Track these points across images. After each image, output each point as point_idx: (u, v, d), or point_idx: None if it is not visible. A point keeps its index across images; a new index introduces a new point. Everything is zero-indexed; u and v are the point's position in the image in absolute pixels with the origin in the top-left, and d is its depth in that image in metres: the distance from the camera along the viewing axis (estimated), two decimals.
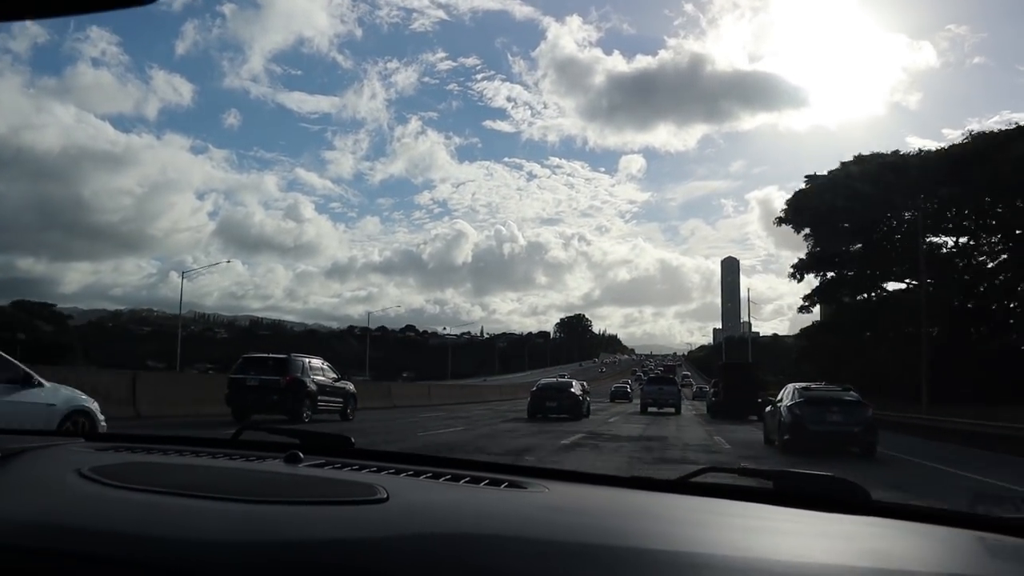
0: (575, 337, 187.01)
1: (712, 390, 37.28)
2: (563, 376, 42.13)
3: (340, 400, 21.38)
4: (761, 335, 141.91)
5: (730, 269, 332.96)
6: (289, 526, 1.07)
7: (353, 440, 1.80)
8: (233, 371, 20.05)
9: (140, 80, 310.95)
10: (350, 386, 22.64)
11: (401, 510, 1.20)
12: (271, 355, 20.69)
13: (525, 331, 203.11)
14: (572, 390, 26.62)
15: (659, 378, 42.33)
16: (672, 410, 35.02)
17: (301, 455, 1.54)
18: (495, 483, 1.46)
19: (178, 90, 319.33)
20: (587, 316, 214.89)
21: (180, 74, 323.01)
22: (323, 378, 20.64)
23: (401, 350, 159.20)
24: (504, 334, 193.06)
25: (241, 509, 1.14)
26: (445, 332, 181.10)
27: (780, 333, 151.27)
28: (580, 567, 1.00)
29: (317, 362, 20.88)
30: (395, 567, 0.98)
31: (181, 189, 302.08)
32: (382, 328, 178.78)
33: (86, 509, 1.15)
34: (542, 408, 25.31)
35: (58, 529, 1.05)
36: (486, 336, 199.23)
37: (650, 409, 35.09)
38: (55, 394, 9.73)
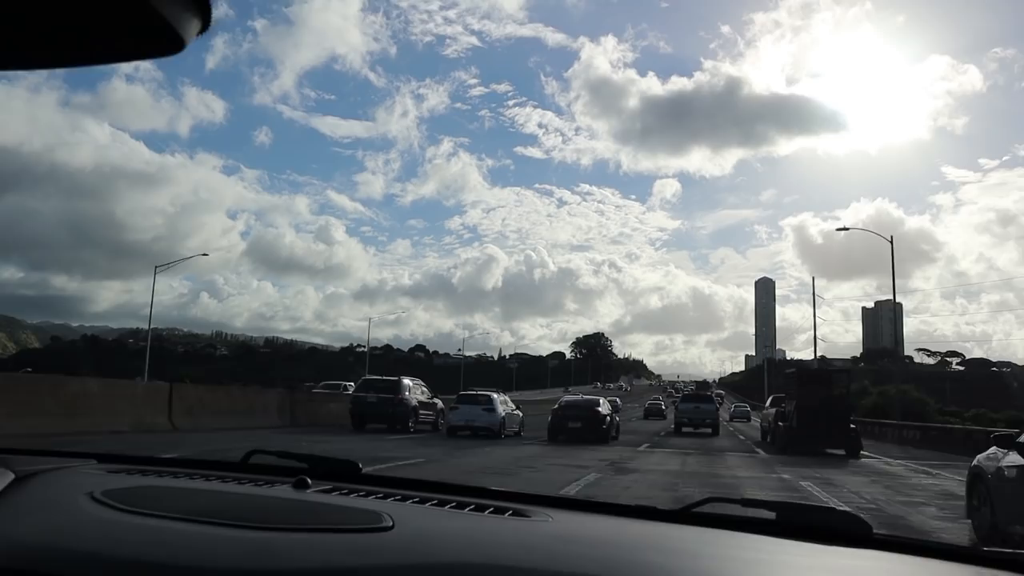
0: (594, 359, 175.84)
1: (774, 410, 28.55)
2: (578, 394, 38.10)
3: (432, 414, 26.40)
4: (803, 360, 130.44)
5: (764, 291, 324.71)
6: (296, 554, 1.12)
7: (360, 465, 1.87)
8: (355, 390, 26.14)
9: (173, 97, 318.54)
10: (439, 403, 27.38)
11: (406, 538, 1.25)
12: (385, 377, 26.01)
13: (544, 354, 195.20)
14: (598, 408, 24.74)
15: (695, 395, 39.28)
16: (709, 431, 33.04)
17: (309, 480, 1.62)
18: (499, 511, 1.53)
19: (210, 107, 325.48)
20: (607, 337, 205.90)
21: (212, 91, 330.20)
22: (421, 396, 25.70)
23: (403, 369, 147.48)
24: (517, 354, 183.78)
25: (249, 536, 1.18)
26: (459, 353, 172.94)
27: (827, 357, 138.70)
28: None
29: (417, 383, 25.91)
30: None
31: (213, 209, 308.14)
32: (387, 347, 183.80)
33: (97, 533, 1.19)
34: (563, 429, 23.83)
35: (68, 553, 1.09)
36: (497, 357, 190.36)
37: (684, 429, 33.27)
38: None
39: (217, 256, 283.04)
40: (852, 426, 24.22)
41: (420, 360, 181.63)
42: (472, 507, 1.55)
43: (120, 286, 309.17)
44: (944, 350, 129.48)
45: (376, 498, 1.57)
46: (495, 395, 26.37)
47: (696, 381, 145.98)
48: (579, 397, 29.77)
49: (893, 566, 1.34)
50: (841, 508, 1.58)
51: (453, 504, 1.56)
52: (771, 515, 1.55)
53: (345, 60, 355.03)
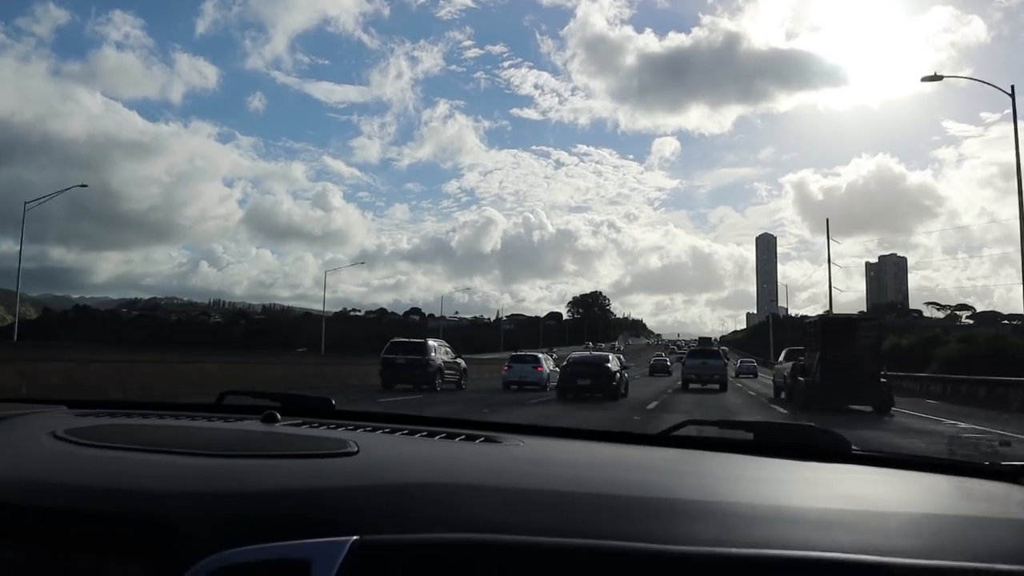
0: (591, 319, 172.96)
1: (791, 364, 25.99)
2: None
3: (456, 373, 28.68)
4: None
5: (766, 247, 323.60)
6: (259, 478, 1.14)
7: (334, 402, 1.90)
8: (384, 352, 27.19)
9: (165, 63, 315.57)
10: (462, 363, 29.85)
11: (371, 462, 1.28)
12: (413, 340, 28.73)
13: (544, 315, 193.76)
14: (608, 365, 24.29)
15: (702, 351, 37.45)
16: (716, 387, 32.09)
17: (278, 416, 1.66)
18: (471, 439, 1.55)
19: (203, 73, 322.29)
20: (605, 296, 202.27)
21: (204, 56, 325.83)
22: (445, 356, 27.96)
23: (396, 331, 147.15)
24: (513, 316, 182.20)
25: (213, 463, 1.22)
26: (454, 316, 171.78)
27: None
28: (554, 514, 1.02)
29: (442, 343, 28.91)
30: (364, 515, 1.01)
31: (209, 177, 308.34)
32: (381, 311, 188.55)
33: (58, 466, 1.21)
34: (572, 386, 23.51)
35: (28, 485, 1.11)
36: (493, 319, 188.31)
37: (691, 386, 32.21)
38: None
39: (215, 224, 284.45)
40: (883, 379, 21.74)
41: (415, 323, 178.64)
42: (443, 435, 1.57)
43: (119, 256, 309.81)
44: (952, 304, 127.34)
45: (345, 429, 1.60)
46: (542, 356, 31.50)
47: (700, 337, 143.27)
48: (587, 353, 29.72)
49: (871, 477, 1.38)
50: (807, 424, 1.61)
51: (424, 433, 1.60)
52: (749, 436, 1.58)
53: (338, 22, 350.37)
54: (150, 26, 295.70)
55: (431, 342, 28.19)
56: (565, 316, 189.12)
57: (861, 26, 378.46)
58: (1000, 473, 1.38)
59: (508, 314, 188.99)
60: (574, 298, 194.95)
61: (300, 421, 1.68)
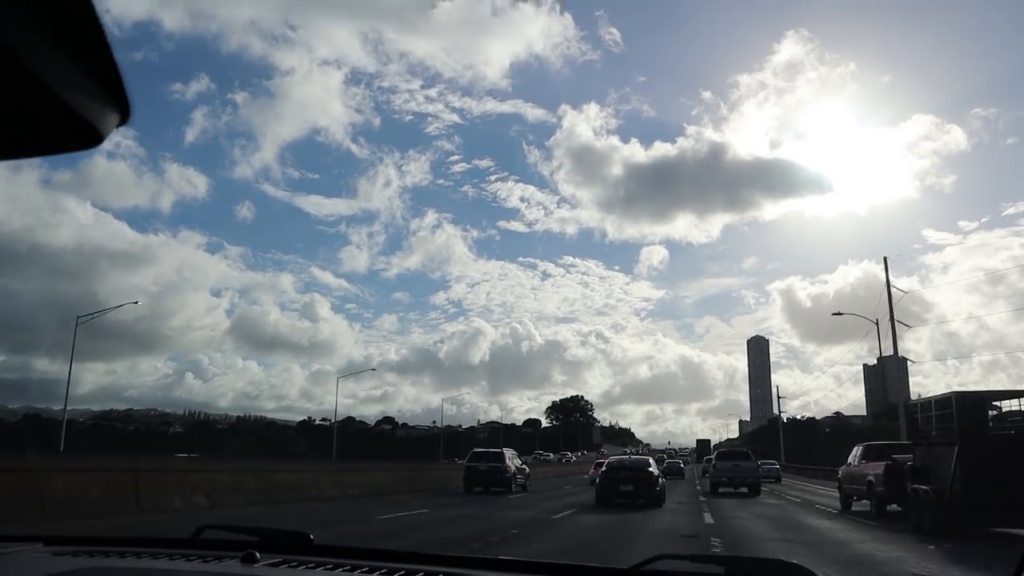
0: (572, 426, 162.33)
1: (890, 465, 19.76)
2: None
3: (523, 477, 33.33)
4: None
5: (758, 351, 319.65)
6: None
7: (312, 536, 1.93)
8: (468, 460, 31.98)
9: (155, 173, 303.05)
10: (526, 468, 35.38)
11: None
12: (492, 449, 34.29)
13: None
14: (651, 470, 24.26)
15: (731, 453, 36.52)
16: (745, 490, 31.68)
17: (257, 555, 1.67)
18: None
19: (193, 183, 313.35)
20: (587, 400, 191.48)
21: (194, 166, 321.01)
22: (517, 463, 33.30)
23: (366, 441, 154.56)
24: (487, 423, 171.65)
25: None
26: (422, 425, 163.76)
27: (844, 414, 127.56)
28: None
29: (512, 452, 34.07)
30: None
31: (196, 287, 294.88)
32: (348, 419, 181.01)
33: None
34: (615, 492, 23.24)
35: None
36: (465, 428, 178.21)
37: (721, 490, 32.13)
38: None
39: (201, 335, 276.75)
40: None
41: (385, 432, 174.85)
42: (422, 574, 1.61)
43: (103, 367, 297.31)
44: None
45: (325, 569, 1.63)
46: (507, 452, 33.21)
47: (698, 440, 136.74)
48: (627, 457, 29.55)
49: None
50: (777, 559, 1.67)
51: (402, 573, 1.64)
52: (720, 570, 1.61)
53: (327, 132, 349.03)
54: (141, 135, 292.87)
55: (507, 451, 33.05)
56: (545, 423, 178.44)
57: (844, 134, 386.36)
58: None
59: (486, 421, 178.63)
60: (553, 403, 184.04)
61: (280, 559, 1.69)
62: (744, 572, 1.62)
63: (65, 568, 1.51)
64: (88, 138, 0.87)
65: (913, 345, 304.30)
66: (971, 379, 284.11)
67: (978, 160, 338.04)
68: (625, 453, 53.10)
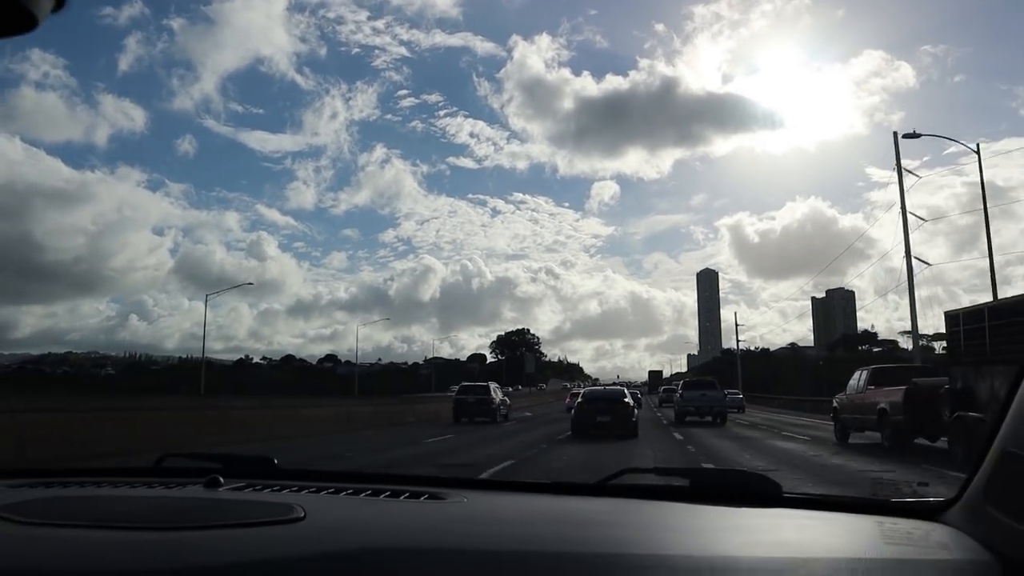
0: (517, 359, 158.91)
1: (910, 389, 16.71)
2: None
3: (506, 408, 35.69)
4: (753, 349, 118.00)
5: (708, 284, 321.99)
6: (206, 551, 1.14)
7: (276, 461, 1.96)
8: (457, 393, 34.76)
9: (88, 104, 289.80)
10: (508, 400, 37.81)
11: (318, 528, 1.30)
12: (479, 383, 36.88)
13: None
14: (627, 400, 24.08)
15: (698, 382, 36.53)
16: (711, 419, 31.91)
17: (221, 479, 1.69)
18: (415, 496, 1.63)
19: (129, 115, 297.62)
20: (533, 334, 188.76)
21: (130, 97, 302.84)
22: (500, 395, 35.90)
23: (305, 378, 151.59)
24: (432, 359, 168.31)
25: (158, 537, 1.21)
26: (364, 363, 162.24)
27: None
28: (500, 573, 1.11)
29: (495, 386, 37.20)
30: None
31: (138, 227, 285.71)
32: (289, 356, 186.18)
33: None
34: (591, 423, 23.01)
35: None
36: (411, 364, 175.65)
37: (688, 419, 32.37)
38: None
39: (144, 276, 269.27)
40: None
41: (327, 370, 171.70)
42: (388, 494, 1.65)
43: (42, 311, 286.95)
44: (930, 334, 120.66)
45: (290, 491, 1.64)
46: (492, 385, 36.46)
47: (650, 371, 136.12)
48: (603, 388, 29.14)
49: (801, 521, 1.49)
50: (740, 470, 1.84)
51: (368, 492, 1.67)
52: (685, 482, 1.70)
53: (271, 62, 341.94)
54: (71, 64, 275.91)
55: (492, 384, 35.94)
56: (491, 359, 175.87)
57: (796, 69, 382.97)
58: (919, 511, 1.50)
59: (430, 357, 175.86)
60: (499, 337, 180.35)
61: (244, 484, 1.70)
62: (708, 483, 1.71)
63: (21, 498, 1.49)
64: (20, 22, 0.82)
65: (856, 281, 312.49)
66: (908, 313, 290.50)
67: (926, 97, 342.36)
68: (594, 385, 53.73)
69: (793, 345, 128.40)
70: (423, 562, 1.13)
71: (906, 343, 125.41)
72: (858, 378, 19.85)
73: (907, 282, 34.25)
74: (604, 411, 23.15)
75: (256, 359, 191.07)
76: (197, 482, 1.70)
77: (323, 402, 33.43)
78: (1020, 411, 1.21)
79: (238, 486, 1.67)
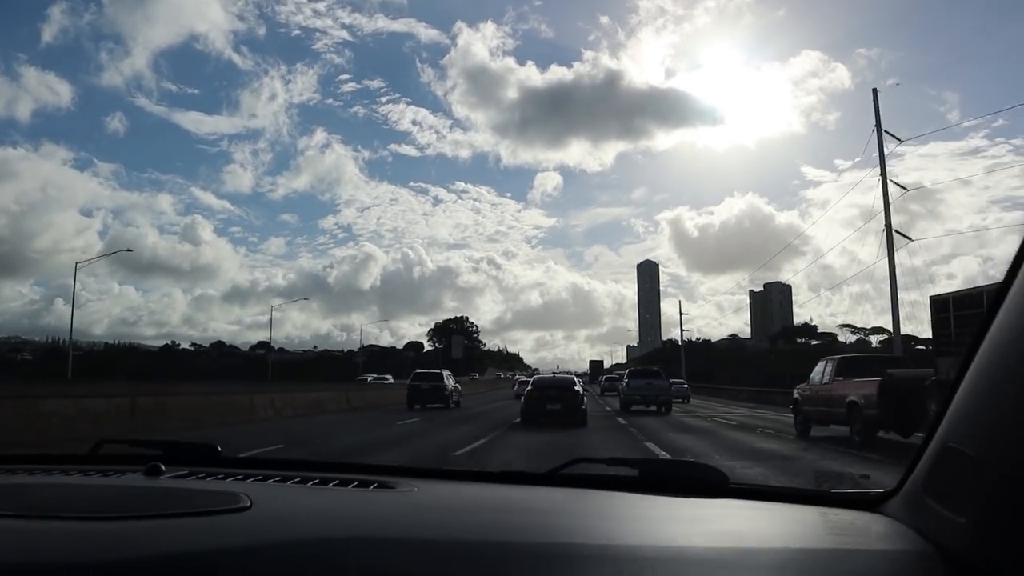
0: (466, 350, 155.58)
1: (885, 381, 15.43)
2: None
3: (457, 395, 37.00)
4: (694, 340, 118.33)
5: (648, 276, 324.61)
6: (148, 542, 1.09)
7: (219, 448, 1.90)
8: (411, 380, 35.61)
9: (8, 76, 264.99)
10: (459, 387, 39.22)
11: (264, 517, 1.26)
12: (432, 370, 38.45)
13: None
14: (577, 388, 24.01)
15: (644, 371, 36.47)
16: (655, 408, 32.15)
17: (162, 467, 1.63)
18: (364, 484, 1.60)
19: (54, 89, 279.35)
20: (471, 322, 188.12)
21: (54, 70, 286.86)
22: (453, 382, 36.89)
23: (232, 364, 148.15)
24: (368, 346, 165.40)
25: (97, 527, 1.15)
26: (306, 351, 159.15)
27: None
28: (445, 564, 1.08)
29: (449, 373, 37.90)
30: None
31: (64, 207, 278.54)
32: (218, 342, 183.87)
33: None
34: (541, 410, 22.86)
35: None
36: (346, 351, 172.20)
37: (634, 407, 32.62)
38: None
39: (71, 258, 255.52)
40: None
41: (258, 356, 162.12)
42: (336, 482, 1.61)
43: None
44: (867, 327, 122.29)
45: (235, 479, 1.59)
46: (445, 372, 37.48)
47: (591, 361, 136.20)
48: (552, 376, 30.34)
49: (747, 512, 1.51)
50: (688, 460, 1.78)
51: (316, 481, 1.64)
52: (635, 472, 1.70)
53: (206, 40, 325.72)
54: None
55: (445, 372, 37.24)
56: (428, 347, 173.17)
57: (737, 66, 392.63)
58: (861, 502, 1.52)
59: (364, 345, 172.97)
60: (436, 325, 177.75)
61: (186, 471, 1.64)
62: (658, 473, 1.71)
63: None
64: None
65: (790, 276, 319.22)
66: (841, 309, 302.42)
67: (860, 99, 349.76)
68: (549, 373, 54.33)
69: (734, 336, 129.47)
70: (371, 551, 1.11)
71: (844, 336, 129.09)
72: (823, 369, 18.47)
73: (889, 273, 33.80)
74: (554, 399, 22.98)
75: (185, 345, 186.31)
76: (136, 470, 1.63)
77: (231, 388, 29.59)
78: (962, 404, 1.19)
79: (180, 474, 1.61)
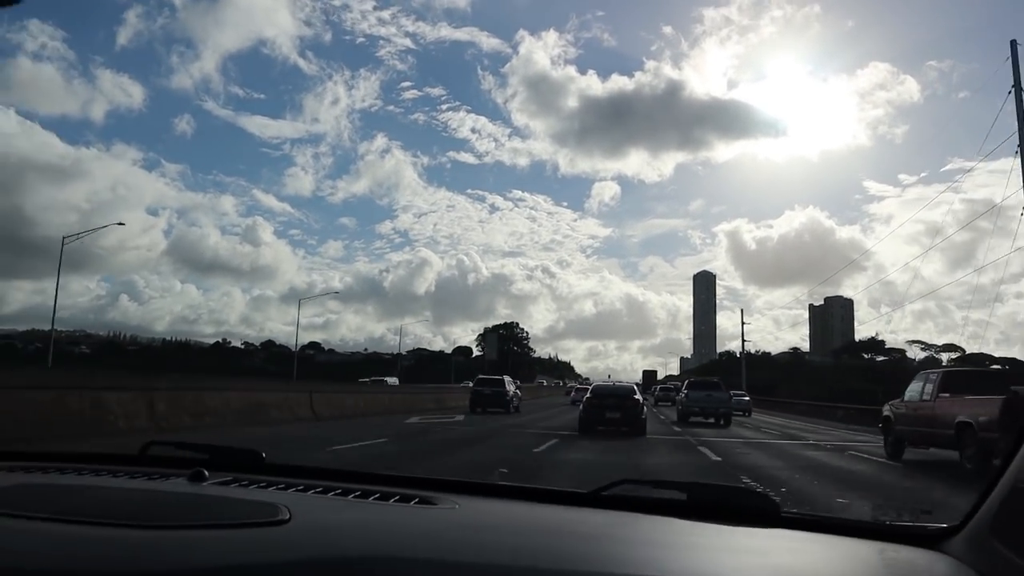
0: (504, 355, 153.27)
1: None
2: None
3: (517, 400, 38.15)
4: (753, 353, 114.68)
5: (704, 286, 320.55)
6: (185, 553, 1.11)
7: (264, 455, 1.93)
8: (474, 385, 37.63)
9: (85, 79, 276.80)
10: (519, 392, 40.60)
11: (303, 531, 1.26)
12: (494, 376, 39.23)
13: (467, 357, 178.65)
14: (636, 397, 23.66)
15: (703, 382, 35.29)
16: (715, 420, 31.29)
17: (206, 472, 1.64)
18: (405, 499, 1.59)
19: (127, 91, 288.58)
20: (522, 327, 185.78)
21: (128, 72, 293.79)
22: (513, 388, 37.92)
23: (280, 362, 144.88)
24: (416, 350, 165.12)
25: (134, 536, 1.17)
26: (353, 353, 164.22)
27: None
28: None
29: (510, 379, 39.57)
30: None
31: (131, 206, 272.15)
32: (269, 341, 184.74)
33: None
34: (600, 419, 22.55)
35: None
36: (394, 354, 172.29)
37: (692, 419, 31.52)
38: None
39: (136, 256, 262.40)
40: None
41: (309, 356, 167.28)
42: (377, 495, 1.60)
43: (31, 287, 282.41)
44: (937, 343, 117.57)
45: (276, 489, 1.61)
46: (507, 379, 39.02)
47: (644, 371, 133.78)
48: (612, 384, 28.41)
49: (799, 544, 1.45)
50: (739, 487, 1.73)
51: (357, 493, 1.62)
52: (683, 496, 1.64)
53: (273, 44, 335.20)
54: (69, 36, 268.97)
55: (506, 377, 39.09)
56: (476, 352, 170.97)
57: (802, 77, 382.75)
58: (921, 538, 1.45)
59: (410, 349, 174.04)
60: (485, 330, 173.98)
61: (230, 478, 1.67)
62: (707, 498, 1.63)
63: (2, 484, 1.45)
64: None
65: (850, 291, 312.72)
66: (902, 327, 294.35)
67: (929, 112, 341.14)
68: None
69: (795, 350, 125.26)
70: (408, 571, 1.10)
71: (913, 353, 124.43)
72: (922, 385, 16.05)
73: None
74: (613, 407, 22.54)
75: (236, 343, 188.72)
76: (182, 474, 1.64)
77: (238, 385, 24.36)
78: None
79: (224, 480, 1.63)
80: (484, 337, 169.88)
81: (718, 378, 37.24)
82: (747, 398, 48.66)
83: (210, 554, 1.09)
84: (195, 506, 1.37)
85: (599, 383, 29.02)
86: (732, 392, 38.52)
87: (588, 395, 24.42)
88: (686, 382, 37.45)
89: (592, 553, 1.25)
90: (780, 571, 1.24)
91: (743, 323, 77.24)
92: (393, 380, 66.13)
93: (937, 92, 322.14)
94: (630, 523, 1.54)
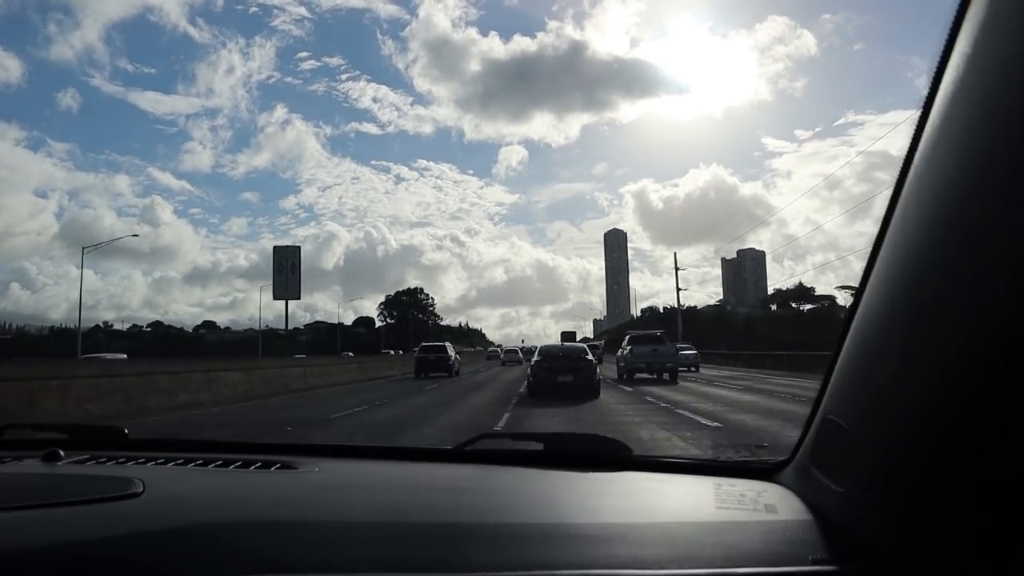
0: (407, 324, 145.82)
1: None
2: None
3: (457, 364, 40.41)
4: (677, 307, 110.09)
5: (615, 244, 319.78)
6: (32, 532, 1.09)
7: (127, 431, 1.92)
8: (419, 352, 39.58)
9: None
10: (459, 357, 43.07)
11: (156, 503, 1.26)
12: (438, 343, 43.00)
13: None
14: (588, 357, 22.33)
15: (648, 336, 32.94)
16: (659, 376, 30.35)
17: (61, 452, 1.62)
18: (266, 465, 1.60)
19: (3, 64, 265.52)
20: (426, 293, 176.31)
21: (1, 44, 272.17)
22: (454, 354, 40.13)
23: (172, 344, 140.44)
24: (315, 323, 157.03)
25: None
26: (247, 330, 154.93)
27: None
28: (343, 545, 1.08)
29: (453, 346, 42.40)
30: (146, 564, 1.01)
31: (16, 188, 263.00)
32: (157, 322, 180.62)
33: None
34: (552, 384, 21.12)
35: None
36: (290, 330, 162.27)
37: (638, 376, 30.51)
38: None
39: (26, 241, 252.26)
40: None
41: (200, 336, 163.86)
42: (239, 463, 1.60)
43: None
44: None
45: (136, 463, 1.59)
46: (448, 344, 41.38)
47: (563, 332, 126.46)
48: (561, 345, 26.59)
49: (648, 485, 1.57)
50: (592, 434, 1.80)
51: (218, 463, 1.61)
52: (539, 446, 1.72)
53: (161, 12, 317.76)
54: None
55: (448, 344, 41.95)
56: (379, 322, 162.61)
57: (703, 34, 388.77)
58: (756, 472, 1.58)
59: (309, 323, 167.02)
60: (387, 298, 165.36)
61: (87, 456, 1.64)
62: (562, 447, 1.75)
63: None
64: None
65: (755, 246, 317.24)
66: (805, 279, 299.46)
67: (826, 66, 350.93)
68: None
69: (720, 303, 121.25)
70: (264, 535, 1.10)
71: (844, 300, 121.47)
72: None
73: None
74: (565, 370, 21.44)
75: (120, 327, 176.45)
76: (36, 455, 1.61)
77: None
78: (839, 377, 1.22)
79: (80, 459, 1.60)
80: (387, 306, 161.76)
81: (662, 331, 34.78)
82: (694, 352, 44.21)
83: (62, 531, 1.07)
84: (47, 486, 1.33)
85: (547, 344, 26.34)
86: (678, 346, 37.70)
87: (536, 357, 22.69)
88: (628, 336, 34.85)
89: (453, 505, 1.31)
90: (630, 508, 1.34)
91: (677, 269, 71.62)
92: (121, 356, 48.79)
93: (833, 45, 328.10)
94: (491, 475, 1.61)
